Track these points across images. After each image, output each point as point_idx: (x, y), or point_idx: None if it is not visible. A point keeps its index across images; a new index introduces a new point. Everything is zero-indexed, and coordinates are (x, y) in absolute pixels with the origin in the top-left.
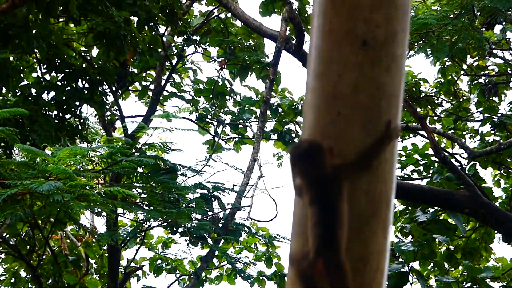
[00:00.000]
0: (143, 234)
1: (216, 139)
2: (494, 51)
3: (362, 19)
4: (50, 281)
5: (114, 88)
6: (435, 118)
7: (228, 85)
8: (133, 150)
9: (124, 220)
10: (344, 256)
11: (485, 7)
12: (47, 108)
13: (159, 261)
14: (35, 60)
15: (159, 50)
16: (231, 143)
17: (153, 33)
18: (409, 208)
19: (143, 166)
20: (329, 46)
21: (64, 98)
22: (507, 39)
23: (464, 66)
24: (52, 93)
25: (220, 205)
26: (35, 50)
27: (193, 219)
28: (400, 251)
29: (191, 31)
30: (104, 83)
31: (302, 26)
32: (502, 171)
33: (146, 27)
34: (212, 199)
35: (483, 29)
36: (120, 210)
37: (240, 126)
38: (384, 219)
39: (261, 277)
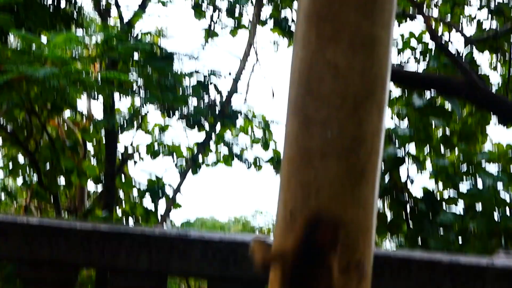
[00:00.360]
0: (140, 119)
1: (212, 24)
2: None
3: None
4: (48, 166)
5: None
6: (432, 4)
7: None
8: (129, 37)
9: (120, 106)
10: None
11: None
12: None
13: (156, 146)
14: None
15: None
16: (227, 28)
17: None
18: (406, 93)
19: (139, 53)
20: None
21: None
22: None
23: None
24: None
25: (217, 90)
26: None
27: (190, 104)
28: (397, 135)
29: None
30: None
31: None
32: (498, 57)
33: None
34: (209, 84)
35: None
36: (116, 96)
37: (237, 11)
38: (379, 101)
39: (257, 161)
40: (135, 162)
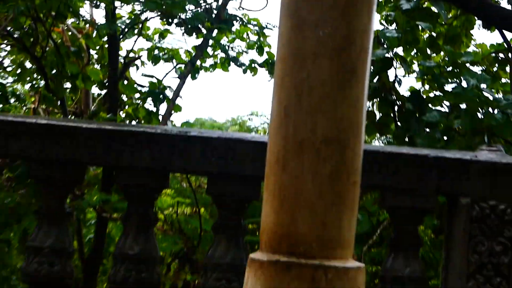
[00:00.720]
0: (140, 25)
1: None
2: None
3: None
4: (54, 71)
5: None
6: None
7: None
8: None
9: (121, 13)
10: None
11: None
12: None
13: (156, 51)
14: None
15: None
16: None
17: None
18: None
19: None
20: None
21: None
22: None
23: None
24: None
25: None
26: None
27: (188, 10)
28: (385, 37)
29: None
30: None
31: None
32: None
33: None
34: None
35: None
36: (117, 3)
37: None
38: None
39: (253, 65)
40: (137, 67)
